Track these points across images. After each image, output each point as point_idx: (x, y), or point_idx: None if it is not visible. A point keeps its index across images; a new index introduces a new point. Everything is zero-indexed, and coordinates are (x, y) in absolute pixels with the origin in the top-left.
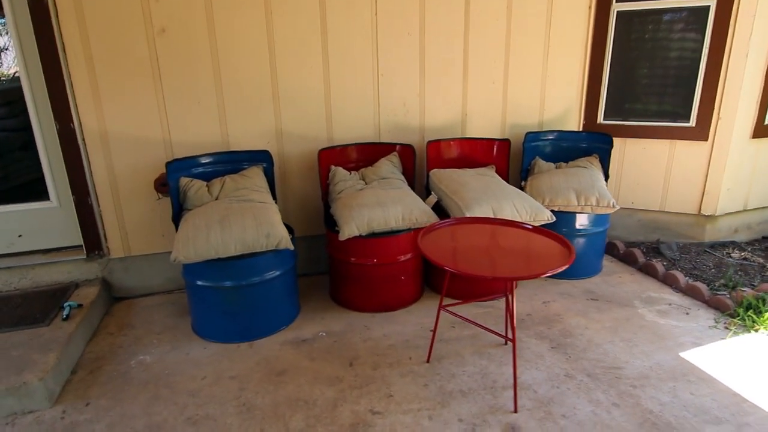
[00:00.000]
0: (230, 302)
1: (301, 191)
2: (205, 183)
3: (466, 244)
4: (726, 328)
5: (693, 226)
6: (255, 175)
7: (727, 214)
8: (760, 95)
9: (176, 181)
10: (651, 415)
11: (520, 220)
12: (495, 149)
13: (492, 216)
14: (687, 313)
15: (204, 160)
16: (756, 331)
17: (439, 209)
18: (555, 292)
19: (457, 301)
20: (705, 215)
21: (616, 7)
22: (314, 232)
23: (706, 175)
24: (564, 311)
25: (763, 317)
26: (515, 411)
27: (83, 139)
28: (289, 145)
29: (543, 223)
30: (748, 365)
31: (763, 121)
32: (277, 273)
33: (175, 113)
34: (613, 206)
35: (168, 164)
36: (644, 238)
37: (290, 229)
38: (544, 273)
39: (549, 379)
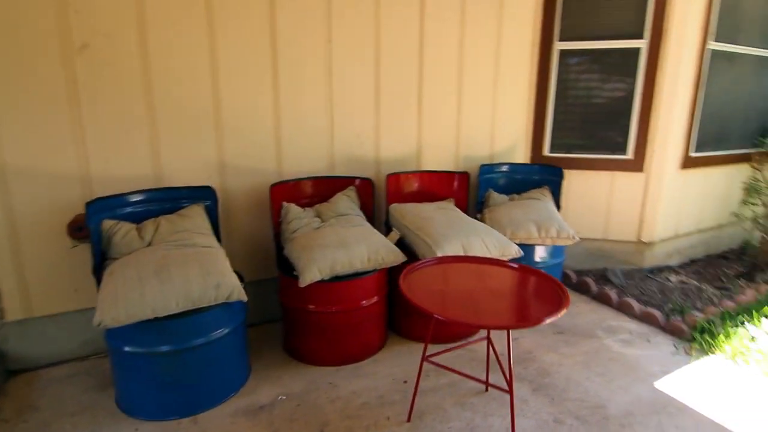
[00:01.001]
0: (168, 371)
1: (247, 230)
2: (134, 226)
3: (452, 286)
4: (686, 353)
5: (634, 253)
6: (196, 215)
7: (662, 240)
8: (687, 129)
9: (98, 224)
10: None
11: (490, 257)
12: (455, 183)
13: (462, 254)
14: (648, 341)
15: (133, 198)
16: (714, 354)
17: (402, 246)
18: (523, 331)
19: (435, 347)
20: (644, 242)
21: (557, 46)
22: (263, 276)
23: (643, 205)
24: (535, 348)
25: (718, 340)
26: None
27: None
28: (233, 179)
29: (512, 257)
30: (716, 389)
31: (689, 153)
32: (226, 330)
33: (96, 143)
34: (574, 237)
35: (88, 204)
36: (590, 266)
37: (239, 276)
38: (543, 321)
39: (539, 428)
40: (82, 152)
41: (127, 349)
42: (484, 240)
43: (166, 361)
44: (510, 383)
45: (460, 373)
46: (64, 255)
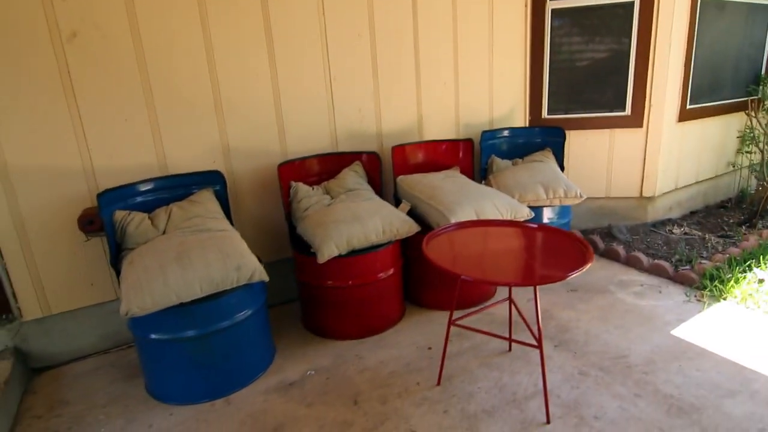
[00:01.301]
0: (196, 355)
1: (256, 213)
2: (146, 215)
3: (475, 249)
4: (698, 300)
5: (636, 209)
6: (207, 200)
7: (663, 194)
8: (682, 82)
9: (110, 216)
10: (673, 399)
11: (506, 219)
12: (459, 151)
13: (476, 218)
14: (660, 292)
15: (143, 188)
16: (725, 299)
17: (413, 216)
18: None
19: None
20: (646, 197)
21: (550, 5)
22: (276, 257)
23: (644, 160)
24: (551, 306)
25: (727, 286)
26: (548, 422)
27: None
28: (238, 162)
29: (524, 219)
30: (730, 333)
31: (686, 105)
32: (249, 312)
33: (97, 134)
34: (580, 196)
35: (99, 196)
36: (594, 225)
37: (258, 258)
38: (569, 275)
39: (566, 381)
40: (84, 145)
41: (153, 336)
42: (495, 203)
43: (192, 345)
44: (539, 338)
45: (488, 333)
46: (77, 250)
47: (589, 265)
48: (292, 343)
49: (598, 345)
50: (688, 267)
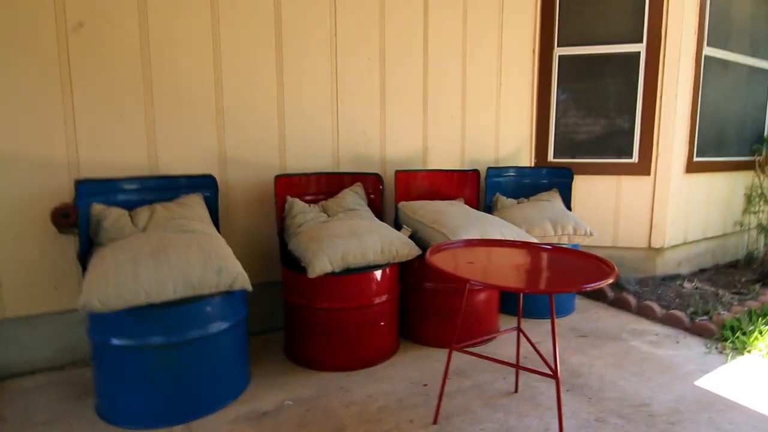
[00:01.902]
0: (159, 368)
1: (247, 229)
2: (126, 212)
3: (483, 263)
4: (720, 352)
5: (645, 260)
6: (195, 204)
7: (672, 246)
8: (689, 132)
9: (87, 208)
10: None
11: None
12: (466, 181)
13: None
14: (677, 342)
15: (127, 185)
16: (749, 352)
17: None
18: (541, 332)
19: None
20: (655, 248)
21: (557, 52)
22: (263, 279)
23: (652, 209)
24: (560, 351)
25: (751, 338)
26: None
27: None
28: (234, 172)
29: None
30: (761, 386)
31: (693, 157)
32: (226, 325)
33: (88, 126)
34: (590, 234)
35: (78, 183)
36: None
37: None
38: (590, 285)
39: (582, 427)
40: (72, 136)
41: (114, 342)
42: (502, 232)
43: (157, 356)
44: (555, 368)
45: (495, 360)
46: (45, 248)
47: (610, 280)
48: (271, 373)
49: (615, 392)
50: (705, 318)
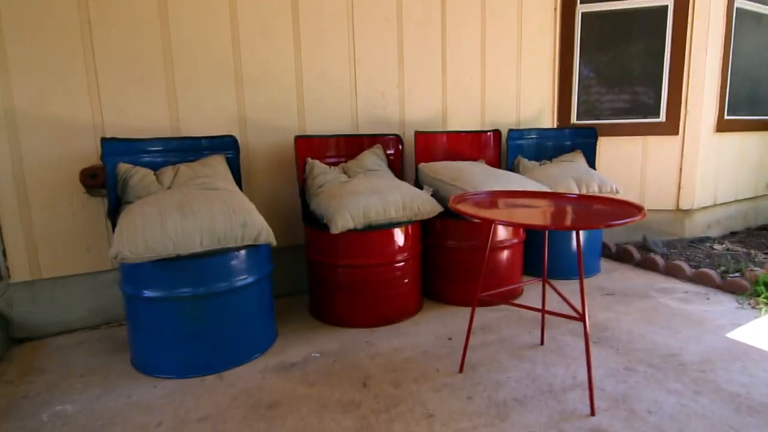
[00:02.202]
0: (190, 319)
1: (269, 191)
2: (151, 171)
3: (508, 210)
4: (753, 307)
5: (673, 223)
6: (218, 164)
7: (701, 208)
8: (719, 90)
9: (113, 167)
10: (740, 398)
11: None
12: (488, 140)
13: None
14: (708, 298)
15: (152, 147)
16: None
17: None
18: (567, 292)
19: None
20: (683, 210)
21: (580, 9)
22: (286, 242)
23: (680, 169)
24: (587, 307)
25: None
26: (593, 414)
27: None
28: (254, 135)
29: None
30: None
31: (724, 115)
32: (252, 279)
33: (111, 90)
34: (616, 191)
35: (104, 141)
36: (627, 239)
37: None
38: (617, 223)
39: (610, 375)
40: (96, 100)
41: (146, 293)
42: (525, 186)
43: (188, 307)
44: (583, 312)
45: (520, 306)
46: (77, 211)
47: (639, 218)
48: (297, 330)
49: (644, 343)
50: (737, 275)
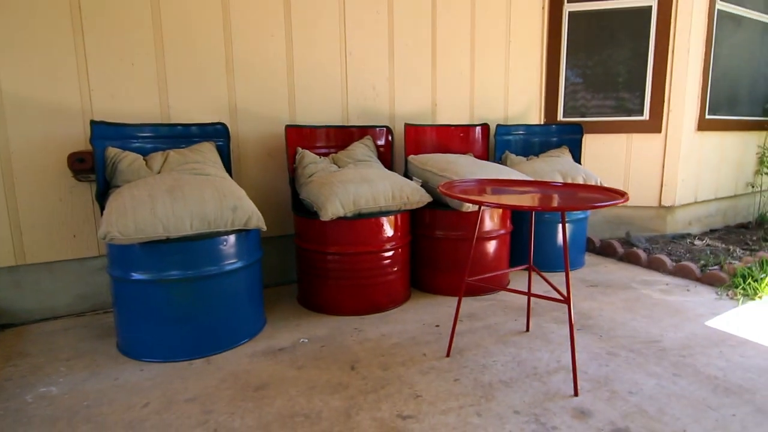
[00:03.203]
0: (179, 302)
1: (259, 180)
2: (141, 156)
3: (496, 195)
4: (731, 298)
5: (655, 219)
6: (208, 151)
7: (683, 205)
8: (701, 89)
9: (102, 150)
10: (717, 380)
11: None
12: (477, 134)
13: None
14: (688, 290)
15: (141, 132)
16: (760, 298)
17: None
18: (552, 282)
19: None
20: (665, 206)
21: (567, 8)
22: (276, 232)
23: (663, 167)
24: (571, 290)
25: (763, 284)
26: (576, 394)
27: None
28: (245, 124)
29: None
30: None
31: (705, 114)
32: (241, 264)
33: (101, 75)
34: (600, 184)
35: (93, 124)
36: (611, 235)
37: None
38: (600, 205)
39: (593, 359)
40: (85, 85)
41: (134, 276)
42: (512, 177)
43: (175, 290)
44: (567, 294)
45: (508, 290)
46: (63, 196)
47: (622, 201)
48: (285, 317)
49: (626, 330)
50: (716, 268)
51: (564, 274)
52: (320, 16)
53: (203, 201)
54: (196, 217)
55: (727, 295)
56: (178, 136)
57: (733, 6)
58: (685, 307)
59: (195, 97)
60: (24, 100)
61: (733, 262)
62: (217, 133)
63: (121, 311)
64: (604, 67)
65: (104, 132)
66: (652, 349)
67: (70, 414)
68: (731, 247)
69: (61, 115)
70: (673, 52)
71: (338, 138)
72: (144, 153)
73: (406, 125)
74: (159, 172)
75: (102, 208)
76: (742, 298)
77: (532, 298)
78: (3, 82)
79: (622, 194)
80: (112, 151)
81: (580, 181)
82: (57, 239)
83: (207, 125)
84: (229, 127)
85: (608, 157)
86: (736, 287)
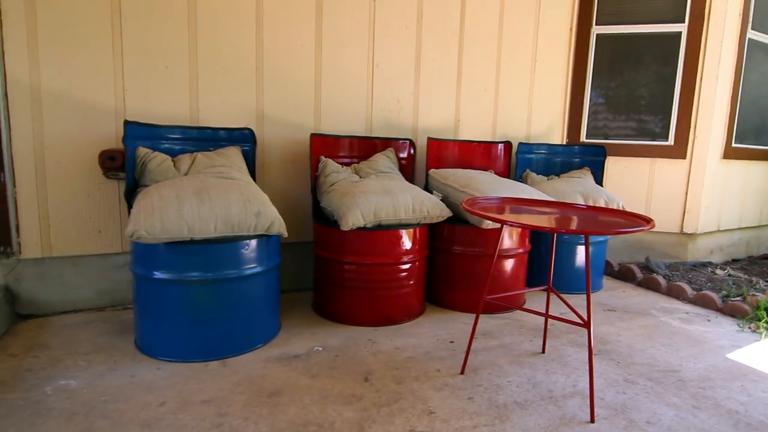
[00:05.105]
0: (198, 303)
1: (282, 187)
2: (169, 157)
3: (518, 215)
4: (754, 331)
5: (676, 246)
6: (234, 155)
7: (705, 233)
8: (728, 117)
9: (134, 150)
10: (739, 415)
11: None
12: (498, 151)
13: None
14: (709, 320)
15: (171, 134)
16: None
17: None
18: (570, 303)
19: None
20: (687, 233)
21: (595, 30)
22: (296, 239)
23: (686, 193)
24: (591, 313)
25: None
26: (592, 421)
27: (4, 94)
28: (271, 130)
29: None
30: None
31: (731, 143)
32: (260, 269)
33: (136, 76)
34: (622, 208)
35: (126, 124)
36: (629, 258)
37: None
38: (625, 231)
39: (610, 386)
40: (120, 84)
41: (156, 275)
42: (534, 197)
43: (196, 291)
44: (588, 318)
45: (525, 310)
46: (92, 192)
47: (648, 228)
48: (300, 324)
49: (644, 358)
50: (738, 299)
51: (582, 296)
52: (350, 28)
53: (228, 204)
54: (221, 220)
55: (750, 327)
56: (207, 139)
57: (763, 35)
58: (706, 338)
59: (225, 101)
60: (61, 97)
61: (756, 294)
62: (243, 138)
63: (141, 309)
64: (630, 91)
65: (136, 132)
66: (671, 378)
67: (87, 408)
68: (754, 279)
69: (95, 113)
70: (701, 78)
71: (361, 148)
72: (172, 154)
73: (429, 139)
74: (186, 174)
75: (129, 206)
76: (765, 332)
77: (549, 322)
78: (43, 78)
79: (648, 220)
80: (142, 151)
81: (602, 204)
82: (83, 234)
83: (234, 130)
84: (256, 133)
85: (630, 181)
86: (759, 320)
